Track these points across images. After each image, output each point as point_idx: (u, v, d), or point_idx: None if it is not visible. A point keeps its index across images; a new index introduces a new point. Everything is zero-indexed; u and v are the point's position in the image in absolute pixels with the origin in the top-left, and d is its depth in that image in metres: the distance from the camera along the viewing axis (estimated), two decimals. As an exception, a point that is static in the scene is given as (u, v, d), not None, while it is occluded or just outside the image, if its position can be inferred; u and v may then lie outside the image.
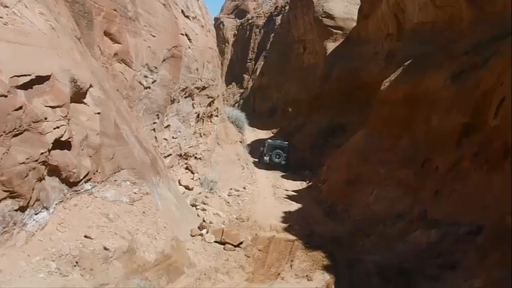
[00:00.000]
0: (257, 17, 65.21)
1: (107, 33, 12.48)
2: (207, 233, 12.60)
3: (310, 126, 32.45)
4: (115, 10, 12.57)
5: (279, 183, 23.18)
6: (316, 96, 33.68)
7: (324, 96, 32.36)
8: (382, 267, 9.95)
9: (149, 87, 14.58)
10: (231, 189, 19.22)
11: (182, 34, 16.36)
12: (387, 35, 26.53)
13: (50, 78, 7.56)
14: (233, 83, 64.48)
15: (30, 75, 7.15)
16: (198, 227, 12.86)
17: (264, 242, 13.09)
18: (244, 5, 70.61)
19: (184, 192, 16.47)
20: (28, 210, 7.00)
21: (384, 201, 15.12)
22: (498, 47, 12.35)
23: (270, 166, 26.75)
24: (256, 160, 27.47)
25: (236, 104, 52.82)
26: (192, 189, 17.09)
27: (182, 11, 17.10)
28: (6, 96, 6.54)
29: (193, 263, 10.49)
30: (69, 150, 7.92)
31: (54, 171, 7.64)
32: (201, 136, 19.49)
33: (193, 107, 18.17)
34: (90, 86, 8.84)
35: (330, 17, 34.22)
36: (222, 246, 12.19)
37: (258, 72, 55.41)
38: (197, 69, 17.68)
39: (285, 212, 17.18)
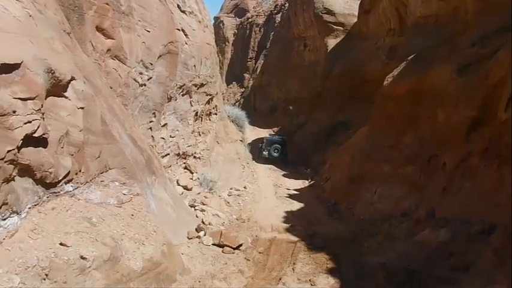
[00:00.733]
0: (257, 15, 64.94)
1: (99, 29, 12.00)
2: (204, 235, 12.06)
3: (311, 124, 32.16)
4: (107, 4, 12.09)
5: (280, 182, 22.80)
6: (317, 93, 33.31)
7: (325, 94, 32.03)
8: (390, 270, 9.41)
9: (145, 85, 14.10)
10: (231, 188, 18.81)
11: (178, 29, 15.86)
12: (389, 30, 26.25)
13: (20, 67, 6.75)
14: (234, 82, 64.20)
15: (-7, 62, 6.43)
16: (196, 229, 12.35)
17: (265, 244, 12.58)
18: (243, 3, 70.40)
19: (183, 193, 16.02)
20: (-7, 215, 6.21)
21: (388, 199, 14.67)
22: (506, 39, 11.86)
23: (268, 160, 28.26)
24: (256, 156, 28.49)
25: (237, 103, 52.37)
26: (191, 189, 16.62)
27: (178, 5, 16.59)
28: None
29: (188, 269, 9.80)
30: (44, 147, 7.09)
31: (26, 171, 6.77)
32: (199, 135, 19.00)
33: (191, 105, 17.69)
34: (72, 78, 8.09)
35: (331, 13, 33.80)
36: (221, 249, 11.65)
37: (258, 71, 55.05)
38: (194, 65, 17.19)
39: (287, 212, 16.73)
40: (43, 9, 8.54)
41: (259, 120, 39.90)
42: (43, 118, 7.00)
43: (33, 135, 6.72)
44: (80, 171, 8.08)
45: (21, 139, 6.50)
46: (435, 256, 9.26)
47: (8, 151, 6.25)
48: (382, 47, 26.89)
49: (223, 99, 32.70)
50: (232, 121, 27.39)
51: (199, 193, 16.58)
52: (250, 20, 65.34)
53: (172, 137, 16.57)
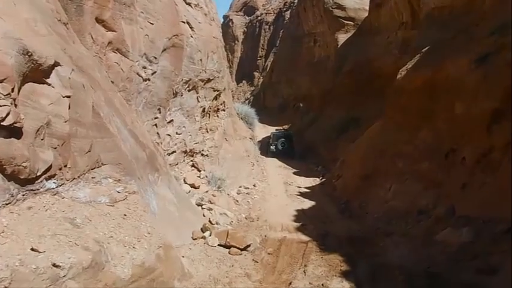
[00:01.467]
0: (266, 13, 64.67)
1: (99, 20, 11.49)
2: (210, 235, 11.42)
3: (322, 121, 31.67)
4: (107, -6, 11.57)
5: (291, 180, 22.24)
6: (328, 90, 32.76)
7: (336, 90, 31.46)
8: (409, 272, 8.74)
9: (149, 79, 13.57)
10: (240, 187, 18.28)
11: (183, 22, 15.29)
12: (401, 23, 25.79)
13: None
14: (243, 81, 63.94)
15: None
16: (201, 229, 11.72)
17: (274, 244, 11.93)
18: (252, 1, 70.13)
19: (190, 191, 15.50)
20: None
21: (403, 196, 14.02)
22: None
23: (276, 154, 28.85)
24: (264, 151, 28.95)
25: (247, 101, 51.99)
26: (198, 188, 16.10)
27: (183, -3, 16.05)
28: None
29: (188, 274, 8.95)
30: (17, 138, 6.22)
31: (-8, 165, 5.97)
32: (207, 132, 18.42)
33: (198, 101, 17.12)
34: (57, 64, 7.24)
35: (341, 7, 33.28)
36: (227, 250, 11.00)
37: (268, 69, 54.68)
38: (201, 60, 16.61)
39: (298, 211, 16.15)
40: (34, -3, 7.99)
41: (269, 118, 39.50)
42: (15, 105, 6.16)
43: (2, 123, 5.91)
44: (65, 166, 7.26)
45: (-16, 128, 5.68)
46: (458, 258, 8.61)
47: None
48: (394, 41, 26.39)
49: (233, 98, 32.20)
50: (241, 118, 26.90)
51: (207, 191, 16.06)
52: (259, 18, 65.10)
53: (179, 134, 16.04)
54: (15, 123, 6.09)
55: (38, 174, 6.65)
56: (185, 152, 16.77)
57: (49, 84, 7.18)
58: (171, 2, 14.66)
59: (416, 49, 17.66)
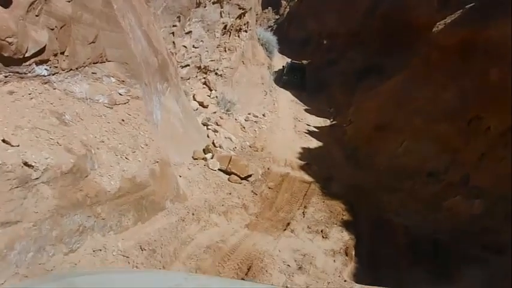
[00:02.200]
0: None
1: None
2: (211, 158, 10.93)
3: (343, 63, 30.54)
4: None
5: (301, 117, 21.62)
6: (355, 31, 31.39)
7: (364, 33, 30.15)
8: (414, 237, 8.30)
9: (173, -18, 12.65)
10: (249, 114, 17.71)
11: None
12: (448, -28, 24.04)
13: None
14: (269, 7, 61.55)
15: None
16: (203, 150, 11.23)
17: (276, 179, 11.51)
18: None
19: (197, 109, 15.00)
20: None
21: (415, 155, 13.49)
22: None
23: (288, 84, 28.43)
24: (278, 80, 28.55)
25: (269, 29, 50.29)
26: (206, 107, 15.57)
27: None
28: None
29: (183, 196, 8.34)
30: (4, 6, 5.34)
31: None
32: (225, 51, 17.57)
33: (221, 16, 16.15)
34: None
35: None
36: (227, 176, 10.58)
37: (296, -1, 52.51)
38: (231, -30, 15.54)
39: (304, 149, 15.70)
40: None
41: (289, 50, 38.19)
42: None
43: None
44: (62, 53, 6.35)
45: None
46: (465, 229, 8.16)
47: None
48: (436, -9, 24.77)
49: (256, 23, 30.95)
50: (261, 45, 25.83)
51: (214, 112, 15.55)
52: None
53: (196, 48, 15.26)
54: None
55: (27, 55, 5.78)
56: (199, 67, 16.06)
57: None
58: None
59: (459, 4, 16.60)
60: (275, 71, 29.02)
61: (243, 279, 6.28)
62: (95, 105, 6.88)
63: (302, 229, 8.65)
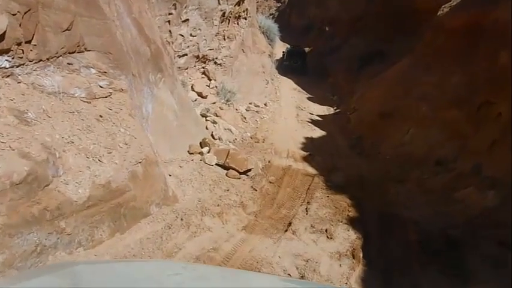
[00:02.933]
0: None
1: None
2: (208, 152, 10.34)
3: (346, 50, 29.99)
4: None
5: (304, 105, 21.17)
6: (357, 17, 30.78)
7: (367, 18, 29.52)
8: (425, 233, 7.79)
9: (168, -32, 12.12)
10: (250, 103, 17.26)
11: None
12: (454, -47, 23.38)
13: None
14: (271, -6, 60.89)
15: None
16: (200, 143, 10.68)
17: (278, 173, 10.96)
18: None
19: (196, 100, 14.54)
20: None
21: (422, 142, 13.05)
22: None
23: (289, 70, 28.83)
24: (278, 66, 28.75)
25: (271, 17, 49.62)
26: (206, 98, 15.12)
27: None
28: None
29: (173, 197, 7.54)
30: None
31: None
32: (224, 39, 17.04)
33: (219, 3, 15.61)
34: None
35: None
36: (225, 171, 10.01)
37: (298, -15, 51.73)
38: (229, -44, 14.98)
39: (307, 138, 15.23)
40: None
41: (291, 38, 37.67)
42: None
43: None
44: (28, 42, 5.65)
45: None
46: (479, 223, 7.66)
47: None
48: (441, -27, 24.14)
49: (257, 11, 30.33)
50: (262, 32, 25.24)
51: (214, 103, 15.09)
52: None
53: (193, 36, 14.74)
54: None
55: (-20, 44, 5.06)
56: (197, 57, 15.57)
57: None
58: None
59: (464, -13, 16.07)
60: (276, 59, 28.49)
61: None
62: (68, 100, 6.17)
63: (305, 229, 8.07)
